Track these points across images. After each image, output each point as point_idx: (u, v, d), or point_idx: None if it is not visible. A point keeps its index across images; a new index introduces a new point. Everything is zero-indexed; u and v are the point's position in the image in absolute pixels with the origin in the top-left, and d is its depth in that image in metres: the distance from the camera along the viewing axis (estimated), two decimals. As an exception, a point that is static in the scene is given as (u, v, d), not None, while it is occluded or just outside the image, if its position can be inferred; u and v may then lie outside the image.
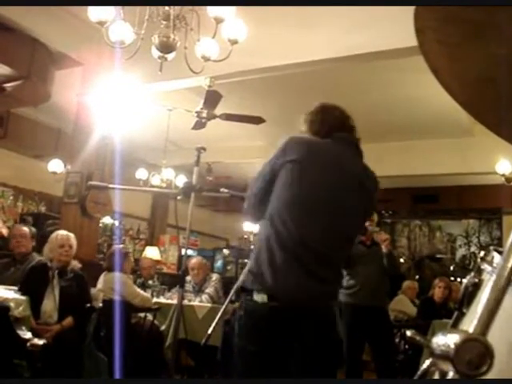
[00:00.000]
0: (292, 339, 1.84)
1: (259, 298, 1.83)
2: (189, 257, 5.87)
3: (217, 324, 2.69)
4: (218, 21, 3.35)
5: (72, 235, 4.15)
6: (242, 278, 1.98)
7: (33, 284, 3.74)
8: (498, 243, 8.91)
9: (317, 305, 1.88)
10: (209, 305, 5.04)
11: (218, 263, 9.81)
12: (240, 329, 1.90)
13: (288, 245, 1.85)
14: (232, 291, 2.95)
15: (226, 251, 10.12)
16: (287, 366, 1.85)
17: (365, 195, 2.00)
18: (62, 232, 4.21)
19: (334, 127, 2.06)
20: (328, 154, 2.00)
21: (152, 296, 5.17)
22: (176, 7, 3.44)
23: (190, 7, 3.48)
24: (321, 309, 1.90)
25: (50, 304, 3.75)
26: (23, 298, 3.39)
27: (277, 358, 1.84)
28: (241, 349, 1.90)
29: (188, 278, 5.38)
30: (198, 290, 5.43)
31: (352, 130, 2.09)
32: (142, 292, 4.80)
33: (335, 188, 1.93)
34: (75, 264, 4.36)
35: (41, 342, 3.26)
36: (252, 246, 3.04)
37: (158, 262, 7.37)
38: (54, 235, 4.11)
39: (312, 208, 1.90)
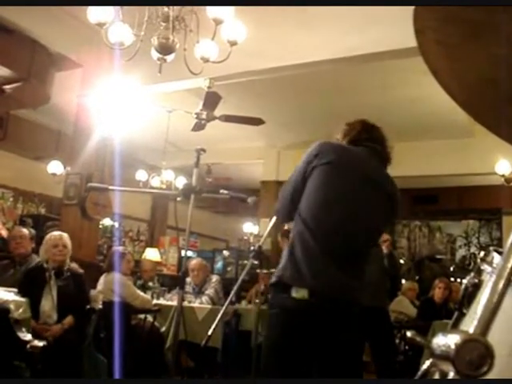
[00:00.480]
0: (325, 334, 1.90)
1: (299, 294, 1.88)
2: (189, 258, 5.87)
3: (217, 325, 2.69)
4: (218, 22, 3.36)
5: (65, 235, 4.15)
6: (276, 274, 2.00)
7: (30, 286, 3.75)
8: (498, 244, 8.90)
9: (348, 299, 1.95)
10: (209, 306, 5.04)
11: (218, 264, 9.80)
12: (276, 326, 1.97)
13: (322, 242, 1.93)
14: (232, 293, 2.95)
15: (225, 252, 10.11)
16: (316, 360, 1.93)
17: (387, 200, 2.12)
18: (55, 232, 4.21)
19: (367, 139, 2.20)
20: (357, 159, 2.12)
21: (152, 297, 5.17)
22: (175, 9, 3.44)
23: (190, 9, 3.48)
24: (351, 303, 1.97)
25: (48, 304, 3.75)
26: (23, 299, 3.39)
27: (309, 354, 1.91)
28: (276, 346, 1.95)
29: (188, 279, 5.38)
30: (198, 292, 5.43)
31: (380, 141, 2.24)
32: (142, 293, 4.81)
33: (362, 190, 2.05)
34: (74, 267, 4.36)
35: (41, 343, 3.26)
36: (252, 247, 3.03)
37: (158, 263, 7.38)
38: (47, 236, 4.12)
39: (342, 207, 2.00)
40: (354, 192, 2.03)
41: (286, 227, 2.43)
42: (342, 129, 2.27)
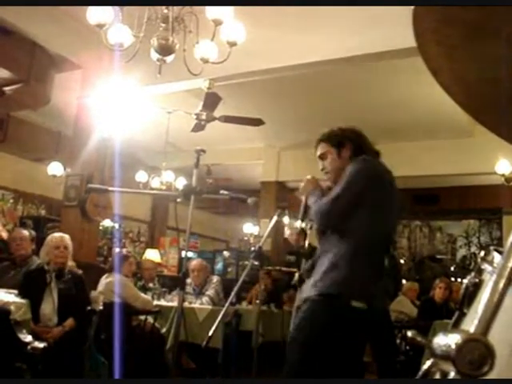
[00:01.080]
0: (368, 339, 2.24)
1: (359, 304, 2.06)
2: (189, 259, 5.87)
3: (217, 326, 2.69)
4: (217, 23, 3.36)
5: (67, 236, 4.15)
6: (330, 284, 2.13)
7: (30, 288, 3.74)
8: (499, 243, 8.90)
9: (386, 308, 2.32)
10: (209, 307, 5.04)
11: (219, 265, 9.80)
12: (326, 334, 2.07)
13: (375, 254, 2.17)
14: (232, 293, 2.95)
15: (226, 253, 10.11)
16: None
17: None
18: (56, 234, 4.21)
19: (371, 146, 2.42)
20: (390, 175, 2.31)
21: (153, 298, 5.16)
22: (175, 10, 3.44)
23: (189, 9, 3.48)
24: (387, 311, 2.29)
25: (48, 307, 3.74)
26: (23, 301, 3.39)
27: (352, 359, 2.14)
28: (326, 353, 2.07)
29: (188, 280, 5.38)
30: (199, 293, 5.43)
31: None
32: (142, 294, 4.80)
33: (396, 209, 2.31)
34: (72, 265, 4.35)
35: (41, 345, 3.26)
36: (252, 248, 3.04)
37: (158, 264, 7.37)
38: (48, 238, 4.12)
39: (389, 227, 2.31)
40: (395, 212, 2.30)
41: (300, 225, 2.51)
42: (348, 140, 2.39)
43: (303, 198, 2.43)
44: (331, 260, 2.13)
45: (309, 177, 2.45)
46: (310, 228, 2.42)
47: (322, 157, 2.44)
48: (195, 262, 5.60)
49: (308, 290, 2.16)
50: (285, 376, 2.09)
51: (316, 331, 2.08)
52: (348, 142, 2.38)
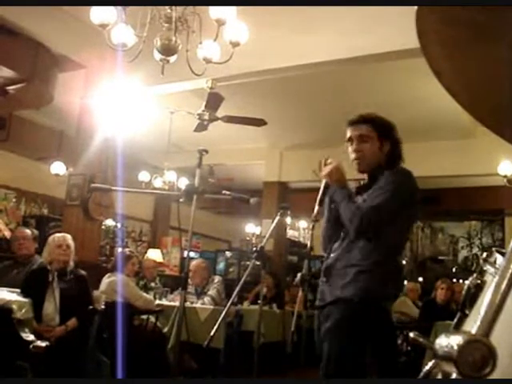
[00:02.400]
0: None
1: (387, 304, 2.37)
2: (191, 259, 5.87)
3: (219, 326, 2.69)
4: (220, 23, 3.36)
5: (69, 236, 4.15)
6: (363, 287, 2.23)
7: (33, 288, 3.74)
8: (501, 244, 8.89)
9: None
10: (211, 307, 5.04)
11: (221, 265, 9.81)
12: (361, 335, 2.25)
13: (400, 259, 2.45)
14: (234, 293, 2.95)
15: (228, 253, 10.12)
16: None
17: None
18: (59, 234, 4.22)
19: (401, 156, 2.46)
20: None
21: (154, 298, 5.17)
22: (178, 10, 3.45)
23: (192, 10, 3.49)
24: None
25: (50, 307, 3.75)
26: (26, 300, 3.39)
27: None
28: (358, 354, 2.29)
29: (190, 280, 5.39)
30: (200, 292, 5.44)
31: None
32: (144, 294, 4.81)
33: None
34: (79, 269, 4.37)
35: (43, 344, 3.27)
36: (254, 248, 3.03)
37: (160, 263, 7.38)
38: (51, 238, 4.13)
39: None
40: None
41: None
42: (394, 137, 2.40)
43: (323, 182, 2.37)
44: (363, 264, 2.22)
45: (336, 163, 2.33)
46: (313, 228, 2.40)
47: (360, 139, 2.33)
48: (196, 262, 5.61)
49: (338, 291, 2.23)
50: (326, 370, 2.21)
51: (355, 329, 2.22)
52: (392, 140, 2.36)
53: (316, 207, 2.36)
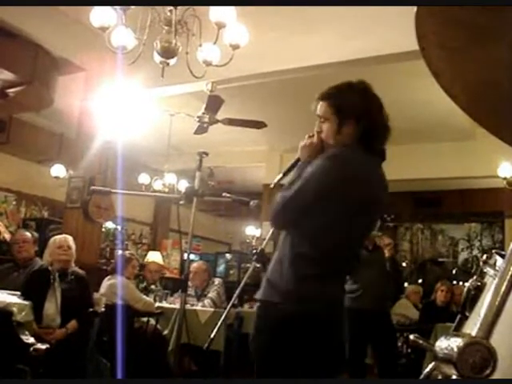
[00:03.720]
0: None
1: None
2: (191, 261, 5.87)
3: (219, 328, 2.69)
4: (220, 26, 3.36)
5: (70, 237, 4.16)
6: None
7: (34, 288, 3.75)
8: (500, 247, 8.88)
9: None
10: (211, 309, 5.04)
11: (221, 268, 9.81)
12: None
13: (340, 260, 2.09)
14: (234, 296, 2.95)
15: (228, 256, 10.12)
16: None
17: (380, 214, 2.18)
18: (60, 235, 4.22)
19: (381, 134, 2.00)
20: (371, 181, 1.97)
21: (155, 300, 5.17)
22: (178, 12, 3.45)
23: (192, 12, 3.49)
24: None
25: (51, 307, 3.75)
26: (26, 302, 3.39)
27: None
28: None
29: (190, 282, 5.39)
30: (201, 295, 5.43)
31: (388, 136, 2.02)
32: (144, 296, 4.81)
33: (362, 217, 1.94)
34: (79, 270, 4.37)
35: (44, 346, 3.26)
36: (254, 250, 3.03)
37: (163, 267, 7.37)
38: (52, 239, 4.14)
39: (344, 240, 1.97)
40: (364, 220, 1.96)
41: None
42: (356, 116, 1.97)
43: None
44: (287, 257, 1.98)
45: (314, 140, 2.03)
46: None
47: (320, 119, 2.02)
48: (196, 265, 5.61)
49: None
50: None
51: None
52: (358, 119, 1.95)
53: (278, 176, 2.27)
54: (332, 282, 1.94)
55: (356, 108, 1.98)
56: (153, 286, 5.79)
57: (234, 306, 3.47)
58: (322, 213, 1.90)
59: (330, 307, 1.91)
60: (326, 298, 1.90)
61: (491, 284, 1.05)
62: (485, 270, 1.13)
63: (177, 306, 4.88)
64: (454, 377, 0.61)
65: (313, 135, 2.05)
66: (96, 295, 4.44)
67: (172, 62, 3.51)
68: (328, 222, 1.90)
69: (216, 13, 3.34)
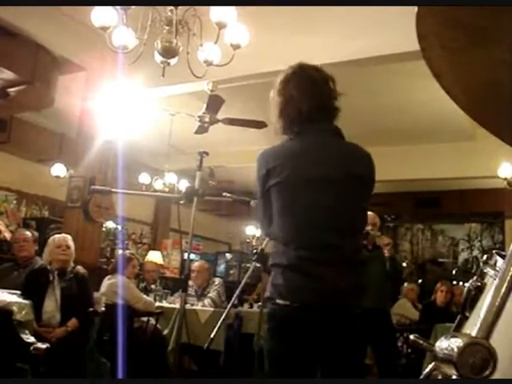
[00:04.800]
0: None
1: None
2: (191, 261, 5.88)
3: (219, 328, 2.69)
4: (221, 26, 3.37)
5: (69, 237, 4.16)
6: None
7: (33, 287, 3.75)
8: (501, 247, 8.89)
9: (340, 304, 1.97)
10: (211, 309, 5.04)
11: (221, 267, 9.82)
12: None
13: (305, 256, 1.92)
14: (235, 296, 2.95)
15: (228, 255, 10.13)
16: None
17: (359, 183, 1.95)
18: (59, 235, 4.23)
19: (310, 114, 1.95)
20: (307, 161, 1.93)
21: (155, 300, 5.17)
22: (178, 12, 3.45)
23: (193, 12, 3.49)
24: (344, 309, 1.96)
25: (51, 305, 3.75)
26: (26, 302, 3.40)
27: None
28: None
29: (190, 282, 5.39)
30: (201, 295, 5.44)
31: (331, 109, 1.98)
32: (144, 296, 4.81)
33: (324, 191, 1.89)
34: (80, 268, 4.37)
35: (44, 346, 3.27)
36: (255, 250, 3.03)
37: (161, 266, 7.38)
38: (51, 239, 4.14)
39: (308, 217, 1.88)
40: (318, 198, 1.88)
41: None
42: (280, 105, 2.04)
43: None
44: None
45: None
46: None
47: None
48: (196, 264, 5.62)
49: None
50: None
51: None
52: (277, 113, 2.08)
53: None
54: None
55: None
56: (153, 286, 5.79)
57: (234, 305, 3.48)
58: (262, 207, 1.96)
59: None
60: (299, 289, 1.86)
61: (491, 284, 1.05)
62: (485, 271, 1.13)
63: (177, 305, 4.88)
64: (454, 377, 0.61)
65: None
66: (96, 294, 4.45)
67: (173, 61, 3.52)
68: (279, 209, 1.91)
69: (217, 13, 3.34)
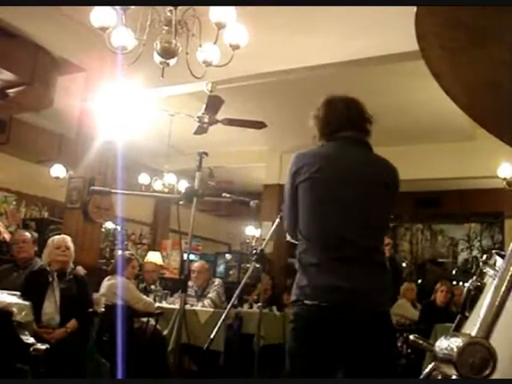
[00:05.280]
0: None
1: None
2: (191, 261, 5.88)
3: (219, 328, 2.69)
4: (220, 26, 3.37)
5: (68, 238, 4.15)
6: None
7: (33, 288, 3.75)
8: (500, 247, 8.89)
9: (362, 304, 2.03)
10: (211, 309, 5.04)
11: (221, 268, 9.81)
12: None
13: (325, 253, 1.99)
14: (234, 296, 2.95)
15: (228, 256, 10.12)
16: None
17: (384, 189, 2.06)
18: (58, 236, 4.22)
19: (339, 125, 2.13)
20: (334, 162, 2.07)
21: (154, 301, 5.17)
22: (178, 13, 3.45)
23: (192, 13, 3.49)
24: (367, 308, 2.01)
25: (50, 306, 3.75)
26: (26, 303, 3.39)
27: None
28: None
29: (190, 282, 5.38)
30: (201, 295, 5.43)
31: (359, 124, 2.16)
32: (144, 297, 4.81)
33: (351, 193, 2.00)
34: (80, 269, 4.36)
35: (44, 346, 3.26)
36: (254, 250, 3.04)
37: (160, 266, 7.37)
38: (50, 240, 4.13)
39: (334, 216, 1.98)
40: (350, 199, 2.00)
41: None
42: (311, 116, 2.20)
43: None
44: None
45: None
46: None
47: None
48: (197, 264, 5.61)
49: None
50: None
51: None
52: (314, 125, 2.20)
53: None
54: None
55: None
56: (152, 286, 5.78)
57: (233, 306, 3.48)
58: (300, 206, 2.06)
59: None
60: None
61: (491, 284, 1.05)
62: (484, 271, 1.13)
63: (177, 306, 4.88)
64: (454, 377, 0.61)
65: None
66: (96, 295, 4.44)
67: (172, 62, 3.51)
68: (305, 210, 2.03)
69: (216, 13, 3.34)
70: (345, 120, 2.13)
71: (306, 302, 1.88)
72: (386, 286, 2.00)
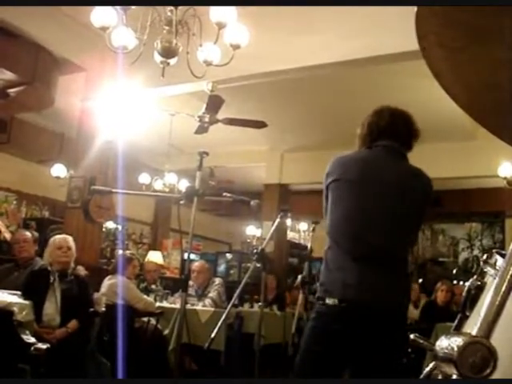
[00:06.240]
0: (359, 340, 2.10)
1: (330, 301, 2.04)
2: (191, 261, 5.88)
3: (220, 328, 2.69)
4: (220, 26, 3.37)
5: (70, 237, 4.15)
6: None
7: (34, 288, 3.75)
8: (501, 246, 8.88)
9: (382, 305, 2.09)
10: (212, 309, 5.04)
11: (221, 267, 9.80)
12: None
13: (348, 253, 2.06)
14: (235, 295, 2.95)
15: (228, 255, 10.12)
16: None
17: (414, 196, 2.13)
18: (60, 235, 4.22)
19: (380, 135, 2.21)
20: (363, 165, 2.16)
21: (155, 300, 5.17)
22: (178, 13, 3.45)
23: (193, 13, 3.49)
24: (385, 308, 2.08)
25: (51, 306, 3.75)
26: (27, 302, 3.39)
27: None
28: None
29: (191, 282, 5.38)
30: (201, 295, 5.43)
31: (402, 136, 2.26)
32: (145, 296, 4.81)
33: (379, 197, 2.08)
34: (81, 269, 4.36)
35: (44, 346, 3.26)
36: (255, 250, 3.05)
37: (161, 266, 7.37)
38: (51, 239, 4.13)
39: (359, 218, 2.06)
40: (370, 201, 2.07)
41: None
42: (361, 127, 2.28)
43: None
44: None
45: None
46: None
47: None
48: (197, 263, 5.61)
49: None
50: None
51: None
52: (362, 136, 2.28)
53: None
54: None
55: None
56: (153, 286, 5.79)
57: (234, 305, 3.48)
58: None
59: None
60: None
61: (491, 283, 1.05)
62: (485, 270, 1.13)
63: (177, 305, 4.88)
64: (454, 376, 0.61)
65: None
66: (97, 295, 4.44)
67: (172, 61, 3.52)
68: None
69: (216, 13, 3.34)
70: (388, 130, 2.22)
71: (328, 301, 1.96)
72: (404, 289, 2.13)
